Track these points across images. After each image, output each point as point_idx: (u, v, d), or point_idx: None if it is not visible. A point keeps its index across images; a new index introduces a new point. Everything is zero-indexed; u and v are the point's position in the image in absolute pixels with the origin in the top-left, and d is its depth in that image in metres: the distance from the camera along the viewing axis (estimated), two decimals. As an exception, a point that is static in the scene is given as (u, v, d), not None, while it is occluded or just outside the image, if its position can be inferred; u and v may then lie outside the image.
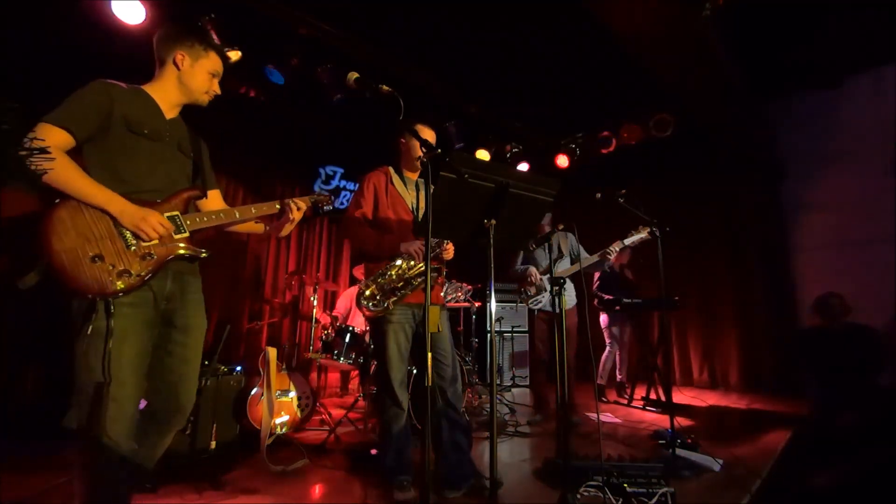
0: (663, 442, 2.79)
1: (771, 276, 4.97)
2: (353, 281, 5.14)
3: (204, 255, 1.49)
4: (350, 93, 1.82)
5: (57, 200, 1.26)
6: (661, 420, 3.58)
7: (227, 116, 4.05)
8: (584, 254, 3.36)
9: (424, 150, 1.60)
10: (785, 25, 3.86)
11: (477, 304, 4.45)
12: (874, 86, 4.55)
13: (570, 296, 3.46)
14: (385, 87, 1.57)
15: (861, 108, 4.61)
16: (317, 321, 3.72)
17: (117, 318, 1.29)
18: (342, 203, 5.53)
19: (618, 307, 4.31)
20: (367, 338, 3.40)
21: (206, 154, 1.70)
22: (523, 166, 5.51)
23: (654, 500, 1.89)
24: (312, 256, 5.43)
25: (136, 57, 3.15)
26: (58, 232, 1.23)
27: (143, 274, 1.32)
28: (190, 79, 1.52)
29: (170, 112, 1.54)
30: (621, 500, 1.92)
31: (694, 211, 5.33)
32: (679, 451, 2.53)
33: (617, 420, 3.62)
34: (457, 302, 4.28)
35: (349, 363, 3.39)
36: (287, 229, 1.75)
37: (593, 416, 3.16)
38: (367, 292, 2.03)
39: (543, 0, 3.39)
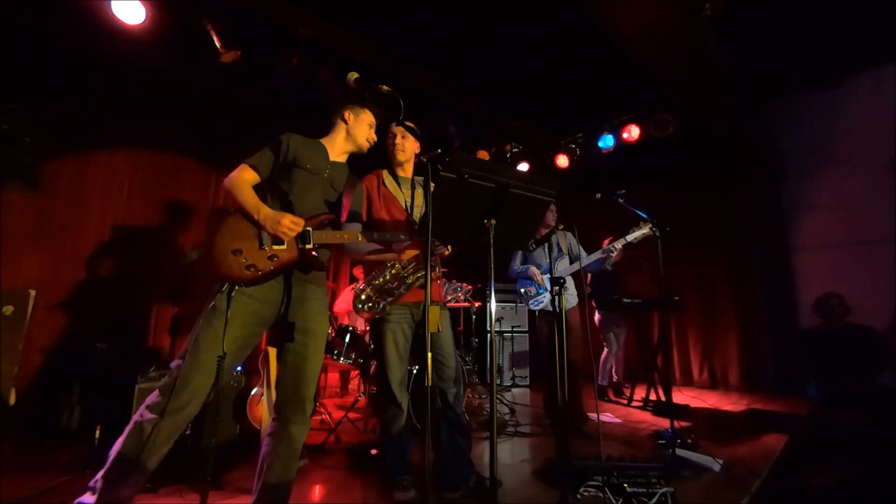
0: (663, 442, 2.79)
1: (771, 276, 4.97)
2: (353, 280, 5.13)
3: (323, 262, 1.75)
4: (350, 93, 1.84)
5: (232, 210, 1.70)
6: (660, 420, 3.58)
7: (226, 117, 4.05)
8: (583, 253, 3.35)
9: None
10: (785, 25, 3.86)
11: (477, 304, 4.44)
12: (874, 86, 4.54)
13: (571, 295, 3.39)
14: (385, 87, 1.57)
15: (861, 108, 4.60)
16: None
17: (233, 303, 1.56)
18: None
19: (610, 308, 4.30)
20: (367, 338, 3.40)
21: None
22: (523, 166, 5.51)
23: (654, 500, 1.89)
24: (312, 256, 5.41)
25: (137, 57, 3.18)
26: (221, 231, 1.64)
27: (265, 270, 1.63)
28: (355, 130, 1.93)
29: (336, 157, 1.93)
30: (621, 500, 1.92)
31: (694, 211, 5.33)
32: (679, 451, 2.53)
33: (617, 420, 3.62)
34: (457, 302, 4.27)
35: (349, 363, 3.38)
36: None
37: (593, 416, 3.16)
38: (363, 296, 2.04)
39: (544, 0, 3.39)
